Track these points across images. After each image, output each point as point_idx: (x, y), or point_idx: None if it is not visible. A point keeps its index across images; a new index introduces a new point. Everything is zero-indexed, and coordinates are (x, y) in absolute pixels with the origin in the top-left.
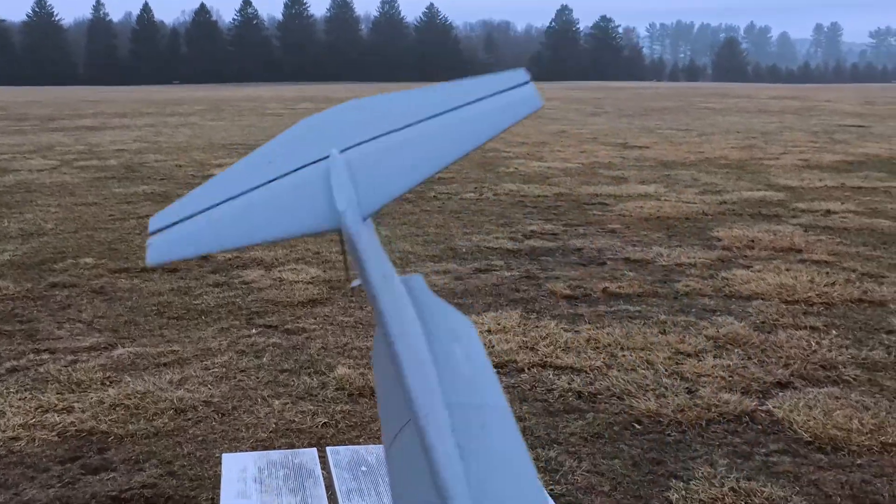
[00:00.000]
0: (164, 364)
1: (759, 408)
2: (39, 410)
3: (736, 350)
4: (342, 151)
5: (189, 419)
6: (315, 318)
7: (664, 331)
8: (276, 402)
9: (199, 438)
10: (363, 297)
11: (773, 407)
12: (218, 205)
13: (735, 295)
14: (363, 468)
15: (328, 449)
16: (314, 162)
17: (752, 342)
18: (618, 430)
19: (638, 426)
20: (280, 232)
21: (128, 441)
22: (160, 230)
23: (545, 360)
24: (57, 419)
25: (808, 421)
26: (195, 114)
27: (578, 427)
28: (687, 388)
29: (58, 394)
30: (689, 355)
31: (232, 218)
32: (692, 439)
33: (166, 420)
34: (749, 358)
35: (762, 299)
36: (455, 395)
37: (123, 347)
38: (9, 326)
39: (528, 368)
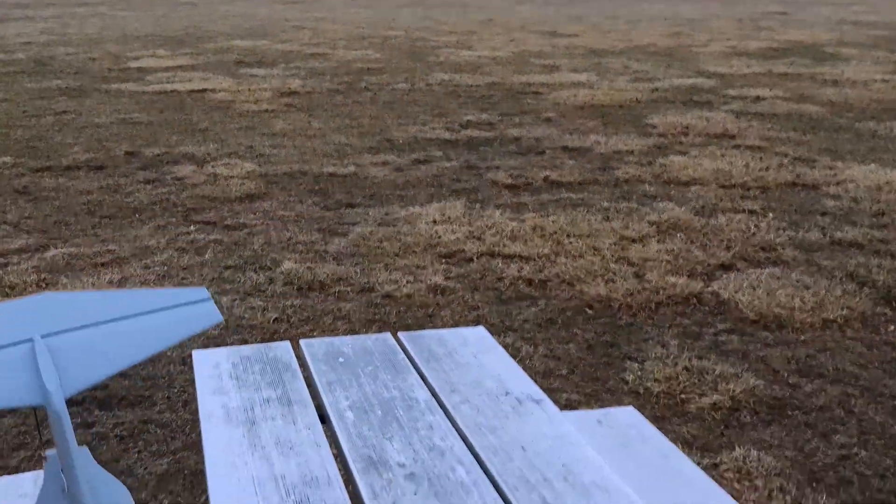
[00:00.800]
0: (102, 264)
1: (706, 290)
2: None
3: (679, 235)
4: (44, 337)
5: None
6: (255, 214)
7: (608, 217)
8: (224, 298)
9: None
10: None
11: (719, 288)
12: None
13: (674, 181)
14: (340, 360)
15: (302, 342)
16: (15, 343)
17: (693, 227)
18: (570, 315)
19: (590, 311)
20: None
21: None
22: None
23: (493, 249)
24: None
25: (753, 301)
26: (104, 4)
27: (531, 314)
28: (634, 272)
29: None
30: (634, 241)
31: None
32: (643, 322)
33: None
34: (692, 242)
35: (700, 185)
36: None
37: (56, 248)
38: None
39: (477, 258)
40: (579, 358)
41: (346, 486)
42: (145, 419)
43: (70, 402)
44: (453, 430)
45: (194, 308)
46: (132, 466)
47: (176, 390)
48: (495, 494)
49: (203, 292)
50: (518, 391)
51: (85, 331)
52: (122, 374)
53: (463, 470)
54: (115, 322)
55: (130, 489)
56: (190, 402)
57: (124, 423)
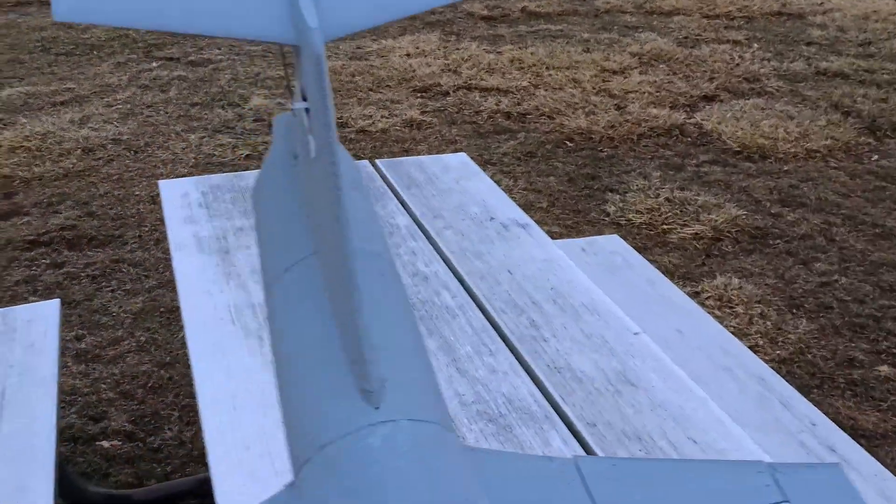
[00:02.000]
0: (61, 103)
1: (688, 121)
2: None
3: (661, 66)
4: None
5: (99, 158)
6: (219, 49)
7: (588, 49)
8: (192, 136)
9: (115, 177)
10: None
11: (702, 119)
12: None
13: (656, 11)
14: None
15: None
16: None
17: (676, 57)
18: (550, 148)
19: (570, 144)
20: (228, 29)
21: (36, 184)
22: None
23: (470, 82)
24: None
25: (736, 132)
26: None
27: (510, 147)
28: (615, 104)
29: None
30: (615, 73)
31: None
32: (624, 154)
33: (74, 161)
34: (674, 73)
35: (683, 14)
36: (358, 241)
37: (11, 87)
38: None
39: (454, 91)
40: (560, 191)
41: None
42: (117, 258)
43: (37, 243)
44: (437, 255)
45: None
46: (107, 305)
47: (147, 229)
48: (482, 318)
49: None
50: (503, 216)
51: None
52: (90, 214)
53: (448, 294)
54: None
55: (105, 327)
56: (162, 241)
57: (95, 262)
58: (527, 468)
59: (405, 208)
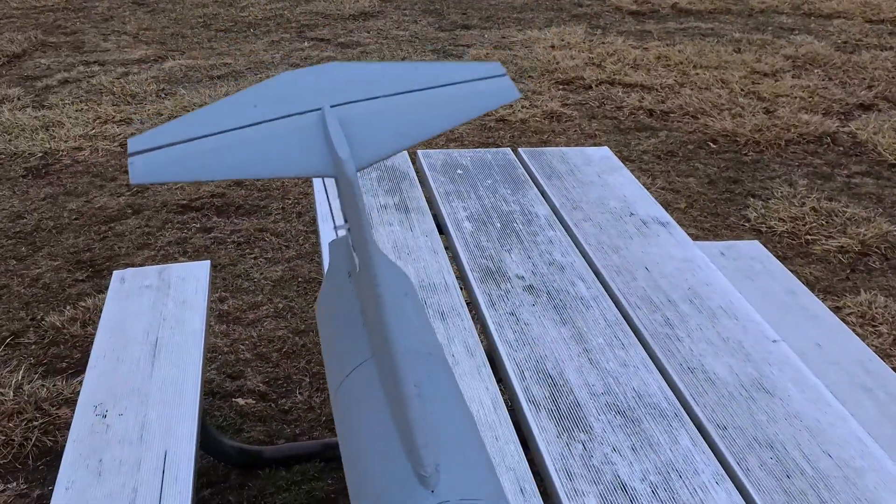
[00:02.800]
0: (218, 77)
1: (841, 129)
2: (98, 122)
3: (816, 70)
4: (333, 107)
5: None
6: (368, 32)
7: (739, 49)
8: None
9: None
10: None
11: (856, 129)
12: (204, 137)
13: (814, 13)
14: (459, 171)
15: (420, 152)
16: (304, 112)
17: (833, 62)
18: (692, 148)
19: (713, 145)
20: (274, 171)
21: None
22: (141, 152)
23: (613, 77)
24: (117, 130)
25: (893, 143)
26: None
27: (651, 145)
28: (764, 108)
29: (113, 105)
30: (766, 75)
31: (222, 150)
32: (770, 159)
33: None
34: (830, 79)
35: (844, 18)
36: (409, 343)
37: (174, 60)
38: (54, 38)
39: (596, 85)
40: (699, 192)
41: (462, 294)
42: (261, 227)
43: (189, 208)
44: (574, 246)
45: (489, 83)
46: (248, 271)
47: (290, 202)
48: (616, 311)
49: (498, 67)
50: (643, 213)
51: (375, 102)
52: (238, 184)
53: (583, 286)
54: (405, 94)
55: (247, 292)
56: (303, 214)
57: (241, 230)
58: None
59: (545, 198)
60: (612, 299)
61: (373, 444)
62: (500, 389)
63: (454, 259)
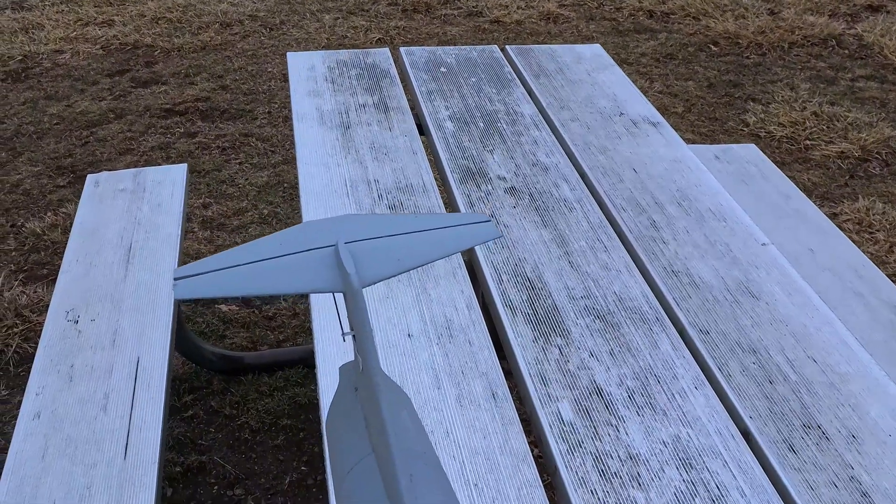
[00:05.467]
0: None
1: (847, 31)
2: (79, 24)
3: None
4: (346, 243)
5: (236, 33)
6: None
7: None
8: (326, 16)
9: (249, 53)
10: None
11: (863, 31)
12: (237, 266)
13: None
14: (442, 69)
15: (402, 49)
16: (322, 248)
17: None
18: (692, 51)
19: (714, 48)
20: (295, 288)
21: (175, 55)
22: (184, 277)
23: None
24: (99, 32)
25: None
26: None
27: (650, 48)
28: (769, 9)
29: (95, 7)
30: None
31: (252, 274)
32: (772, 63)
33: (212, 34)
34: None
35: None
36: (404, 443)
37: None
38: None
39: None
40: (698, 96)
41: (441, 196)
42: (246, 132)
43: (173, 112)
44: (560, 147)
45: (477, 227)
46: (234, 176)
47: (276, 105)
48: (600, 213)
49: (484, 217)
50: (634, 113)
51: (380, 240)
52: (224, 87)
53: (567, 187)
54: (405, 235)
55: (231, 198)
56: (290, 119)
57: (226, 135)
58: None
59: (531, 97)
60: (596, 201)
61: None
62: (476, 293)
63: (434, 160)
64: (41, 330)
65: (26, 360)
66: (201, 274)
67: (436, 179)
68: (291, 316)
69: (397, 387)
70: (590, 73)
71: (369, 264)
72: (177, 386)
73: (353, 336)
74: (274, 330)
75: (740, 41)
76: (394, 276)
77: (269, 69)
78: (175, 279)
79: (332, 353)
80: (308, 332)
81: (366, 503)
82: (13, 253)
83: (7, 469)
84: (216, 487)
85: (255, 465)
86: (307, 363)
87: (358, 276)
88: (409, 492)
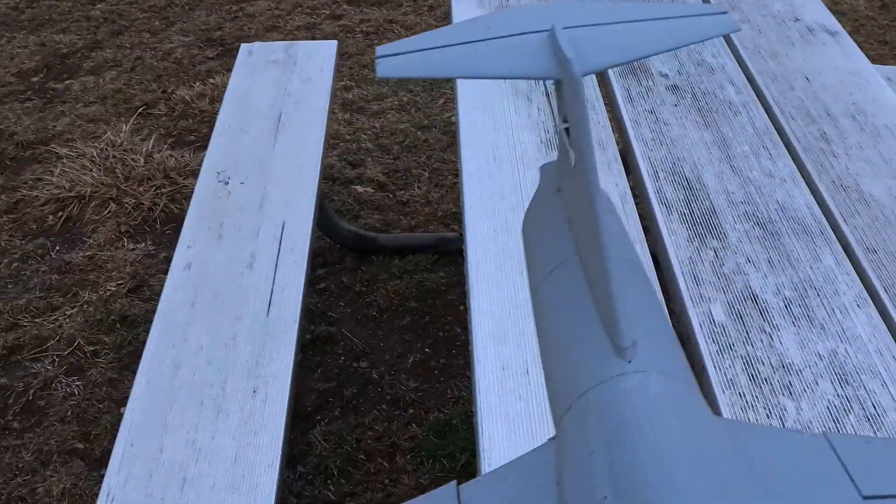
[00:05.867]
0: None
1: None
2: None
3: None
4: (564, 28)
5: None
6: None
7: None
8: None
9: None
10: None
11: None
12: (442, 47)
13: None
14: None
15: None
16: (536, 32)
17: None
18: None
19: None
20: (503, 72)
21: None
22: (387, 56)
23: None
24: None
25: None
26: None
27: None
28: None
29: None
30: None
31: (458, 55)
32: None
33: None
34: None
35: None
36: (612, 243)
37: None
38: None
39: None
40: (868, 17)
41: (601, 89)
42: (391, 19)
43: None
44: (727, 48)
45: (711, 19)
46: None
47: None
48: (767, 120)
49: (720, 8)
50: (810, 19)
51: (602, 27)
52: None
53: (733, 90)
54: (629, 23)
55: (372, 83)
56: (435, 8)
57: (370, 20)
58: (774, 439)
59: None
60: (763, 107)
61: (573, 325)
62: (630, 187)
63: None
64: (188, 192)
65: (172, 219)
66: (405, 53)
67: (596, 76)
68: (425, 203)
69: (605, 192)
70: None
71: (591, 51)
72: (313, 259)
73: (567, 129)
74: (406, 215)
75: None
76: (617, 65)
77: None
78: (378, 57)
79: (481, 229)
80: (439, 219)
81: (566, 303)
82: (163, 118)
83: (159, 312)
84: (343, 358)
85: (380, 342)
86: (437, 250)
87: (579, 61)
88: (618, 294)
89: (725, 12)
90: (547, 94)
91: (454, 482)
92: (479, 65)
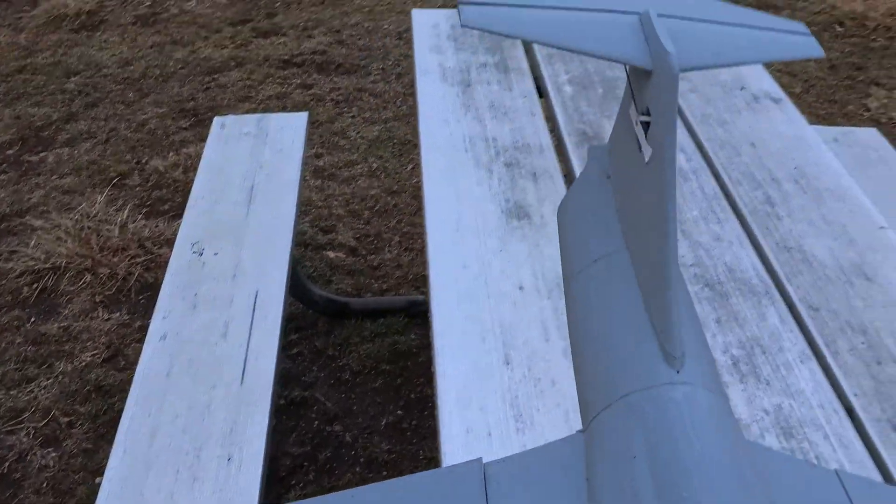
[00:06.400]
0: None
1: None
2: None
3: None
4: (659, 16)
5: None
6: None
7: None
8: None
9: (366, 9)
10: None
11: None
12: (530, 7)
13: None
14: None
15: None
16: (628, 12)
17: None
18: (816, 30)
19: (839, 28)
20: (591, 48)
21: (294, 8)
22: (471, 3)
23: None
24: None
25: None
26: None
27: None
28: None
29: None
30: None
31: (545, 19)
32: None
33: None
34: None
35: None
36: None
37: None
38: None
39: None
40: (818, 77)
41: (558, 157)
42: (360, 87)
43: (290, 64)
44: (678, 118)
45: (799, 38)
46: (345, 129)
47: (391, 62)
48: (715, 185)
49: (803, 27)
50: (756, 87)
51: (696, 23)
52: (340, 42)
53: (684, 157)
54: (721, 25)
55: (343, 149)
56: (403, 76)
57: (340, 88)
58: (790, 468)
59: None
60: (712, 173)
61: (617, 321)
62: None
63: (551, 123)
64: (162, 261)
65: (147, 288)
66: (490, 5)
67: (553, 141)
68: (395, 267)
69: None
70: None
71: (687, 47)
72: (284, 326)
73: (647, 123)
74: (378, 279)
75: (867, 23)
76: (709, 68)
77: (385, 26)
78: (460, 4)
79: (445, 298)
80: (410, 282)
81: (612, 300)
82: (137, 188)
83: (135, 382)
84: (317, 422)
85: (353, 404)
86: (408, 312)
87: (678, 56)
88: (676, 302)
89: (809, 34)
90: (629, 82)
91: (480, 458)
92: (566, 35)
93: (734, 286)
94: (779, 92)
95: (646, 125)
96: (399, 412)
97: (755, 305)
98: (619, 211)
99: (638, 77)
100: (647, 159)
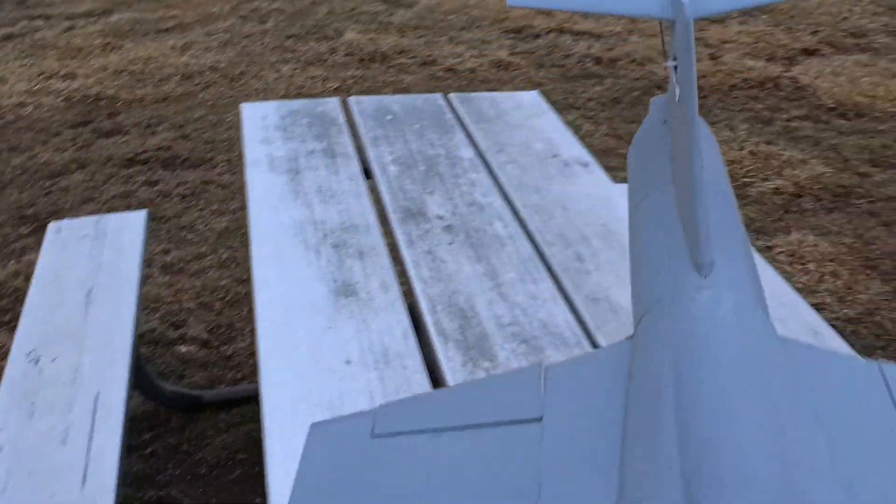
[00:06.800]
0: (165, 30)
1: (784, 74)
2: (42, 77)
3: (763, 16)
4: None
5: (197, 84)
6: None
7: None
8: (285, 67)
9: (209, 103)
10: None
11: (799, 73)
12: None
13: None
14: (388, 117)
15: (351, 98)
16: None
17: (781, 8)
18: (637, 95)
19: (658, 91)
20: (622, 7)
21: (136, 106)
22: None
23: (563, 25)
24: (61, 85)
25: (833, 88)
26: None
27: (596, 93)
28: (710, 54)
29: (58, 60)
30: (714, 21)
31: None
32: (713, 105)
33: (173, 86)
34: (777, 24)
35: None
36: (708, 176)
37: (120, 13)
38: None
39: (546, 34)
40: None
41: (384, 235)
42: (207, 180)
43: (135, 162)
44: (496, 187)
45: None
46: (193, 223)
47: (236, 154)
48: (530, 248)
49: None
50: (567, 154)
51: None
52: (185, 137)
53: (501, 225)
54: None
55: (191, 243)
56: None
57: (187, 182)
58: (830, 363)
59: (471, 141)
60: (528, 237)
61: (661, 241)
62: (412, 323)
63: (377, 201)
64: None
65: None
66: None
67: (379, 219)
68: (249, 355)
69: (707, 124)
70: (528, 119)
71: None
72: (136, 424)
73: (675, 66)
74: (232, 369)
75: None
76: (728, 10)
77: (229, 119)
78: None
79: (278, 379)
80: None
81: (659, 224)
82: None
83: None
84: None
85: (212, 498)
86: None
87: (692, 6)
88: (703, 216)
89: None
90: (661, 33)
91: (541, 362)
92: (602, 1)
93: (549, 340)
94: (587, 157)
95: (675, 69)
96: (258, 500)
97: (566, 356)
98: (671, 146)
99: (668, 31)
100: (677, 98)
